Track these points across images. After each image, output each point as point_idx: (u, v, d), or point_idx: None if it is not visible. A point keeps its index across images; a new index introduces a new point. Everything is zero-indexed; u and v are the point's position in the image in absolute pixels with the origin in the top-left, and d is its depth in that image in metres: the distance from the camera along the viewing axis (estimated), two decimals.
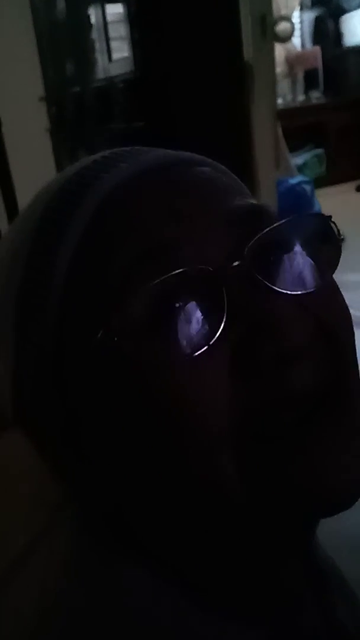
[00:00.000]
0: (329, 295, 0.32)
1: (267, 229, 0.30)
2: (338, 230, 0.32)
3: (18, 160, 2.73)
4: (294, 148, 4.38)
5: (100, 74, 3.01)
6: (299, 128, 4.62)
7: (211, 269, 0.28)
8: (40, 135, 3.57)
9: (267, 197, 2.92)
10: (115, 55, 2.84)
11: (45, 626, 0.31)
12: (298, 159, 4.55)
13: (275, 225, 0.30)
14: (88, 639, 0.31)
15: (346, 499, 0.30)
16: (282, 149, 3.59)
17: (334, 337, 0.31)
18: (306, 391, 0.29)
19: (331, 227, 0.32)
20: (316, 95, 5.21)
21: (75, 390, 0.31)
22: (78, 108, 3.27)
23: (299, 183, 3.34)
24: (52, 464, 0.35)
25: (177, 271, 0.28)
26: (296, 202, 3.22)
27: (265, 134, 2.85)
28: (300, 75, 5.14)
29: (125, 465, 0.31)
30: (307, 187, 3.34)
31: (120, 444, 0.31)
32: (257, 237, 0.29)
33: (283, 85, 4.92)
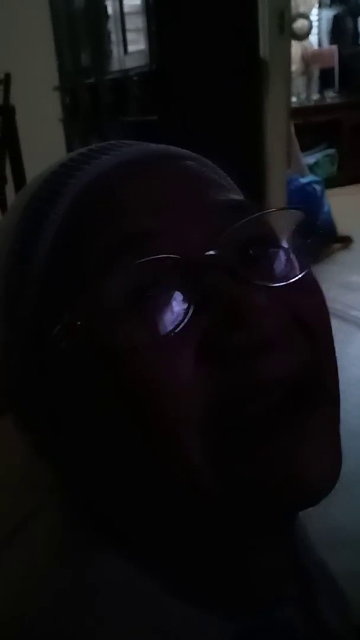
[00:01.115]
0: (307, 289, 0.32)
1: (243, 220, 0.30)
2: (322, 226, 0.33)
3: (30, 149, 2.73)
4: (306, 147, 4.37)
5: (115, 65, 3.00)
6: (312, 127, 4.60)
7: (186, 257, 0.29)
8: (53, 125, 3.58)
9: (277, 195, 2.91)
10: (131, 48, 2.83)
11: (31, 606, 0.32)
12: (310, 159, 4.53)
13: (250, 217, 0.31)
14: (72, 622, 0.31)
15: (315, 493, 0.30)
16: (294, 147, 3.58)
17: (309, 329, 0.31)
18: (275, 382, 0.29)
19: (313, 222, 0.33)
20: (331, 95, 5.18)
21: (54, 374, 0.31)
22: (92, 99, 3.27)
23: (310, 182, 3.33)
24: (37, 449, 0.35)
25: (151, 258, 0.28)
26: (306, 201, 3.21)
27: (277, 132, 2.84)
28: (315, 74, 5.12)
29: (100, 451, 0.31)
30: (318, 187, 3.33)
31: (94, 429, 0.31)
32: (233, 228, 0.30)
33: (298, 83, 4.90)
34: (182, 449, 0.28)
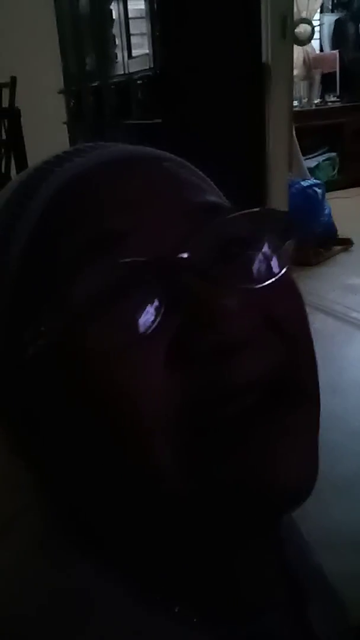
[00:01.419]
0: (283, 290, 0.31)
1: (216, 222, 0.30)
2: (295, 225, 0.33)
3: (35, 151, 2.75)
4: (307, 150, 4.39)
5: (119, 69, 3.03)
6: (313, 131, 4.62)
7: (157, 259, 0.29)
8: (57, 127, 3.60)
9: (278, 198, 2.94)
10: (136, 52, 2.86)
11: (14, 608, 0.31)
12: (311, 162, 4.56)
13: (223, 219, 0.31)
14: (53, 627, 0.30)
15: (290, 494, 0.29)
16: (295, 150, 3.61)
17: (285, 330, 0.31)
18: (249, 383, 0.29)
19: (290, 223, 0.32)
20: (332, 99, 5.20)
21: (28, 376, 0.31)
22: (96, 102, 3.30)
23: (311, 185, 3.35)
24: (16, 450, 0.35)
25: (121, 260, 0.28)
26: (307, 204, 3.24)
27: (279, 135, 2.86)
28: (317, 78, 5.14)
29: (76, 453, 0.31)
30: (319, 190, 3.35)
31: (68, 431, 0.30)
32: (206, 229, 0.30)
33: (300, 88, 4.92)
34: (152, 453, 0.28)
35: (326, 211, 3.37)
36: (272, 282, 0.30)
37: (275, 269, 0.31)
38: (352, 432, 1.75)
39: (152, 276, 0.29)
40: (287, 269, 0.31)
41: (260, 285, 0.30)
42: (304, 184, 3.33)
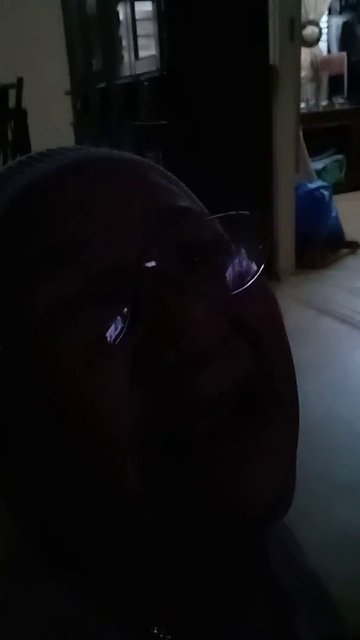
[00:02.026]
0: (255, 296, 0.30)
1: (184, 227, 0.29)
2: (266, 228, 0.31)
3: None
4: (314, 152, 4.38)
5: (126, 70, 3.03)
6: (320, 133, 4.61)
7: (118, 267, 0.27)
8: (64, 128, 3.61)
9: (285, 200, 2.93)
10: (142, 53, 2.86)
11: None
12: (318, 164, 4.54)
13: (190, 224, 0.29)
14: None
15: (259, 515, 0.27)
16: (302, 152, 3.60)
17: (256, 339, 0.29)
18: (217, 397, 0.27)
19: (262, 226, 0.31)
20: (340, 101, 5.19)
21: None
22: (102, 103, 3.30)
23: (318, 188, 3.34)
24: None
25: (82, 269, 0.27)
26: (314, 206, 3.22)
27: (286, 137, 2.86)
28: (324, 80, 5.13)
29: (38, 469, 0.30)
30: (326, 192, 3.34)
31: (30, 448, 0.29)
32: (169, 235, 0.28)
33: (307, 90, 4.92)
34: (117, 470, 0.27)
35: (333, 214, 3.35)
36: (245, 288, 0.29)
37: (248, 275, 0.29)
38: (357, 435, 1.74)
39: (115, 285, 0.27)
40: (260, 274, 0.29)
41: (231, 291, 0.29)
42: (311, 186, 3.32)
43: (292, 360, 0.31)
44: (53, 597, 0.30)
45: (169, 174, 0.36)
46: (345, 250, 3.37)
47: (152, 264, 0.27)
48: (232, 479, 0.27)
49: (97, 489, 0.27)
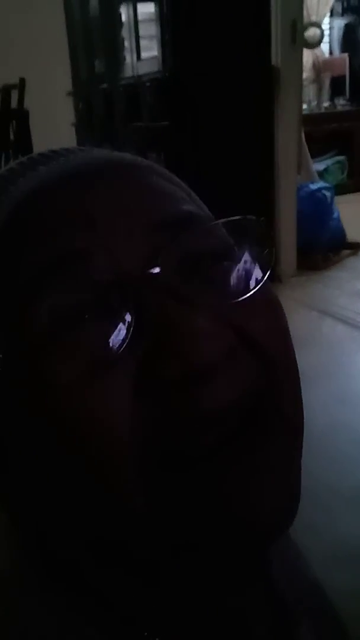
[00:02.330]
0: (260, 306, 0.29)
1: (188, 234, 0.28)
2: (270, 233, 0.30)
3: None
4: (316, 154, 4.38)
5: (128, 72, 3.03)
6: (322, 134, 4.61)
7: (122, 278, 0.27)
8: (66, 129, 3.61)
9: (287, 201, 2.92)
10: (144, 54, 2.86)
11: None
12: (320, 165, 4.54)
13: (195, 231, 0.29)
14: None
15: (262, 531, 0.27)
16: (304, 154, 3.59)
17: (261, 350, 0.28)
18: (220, 411, 0.26)
19: (266, 232, 0.30)
20: (341, 102, 5.20)
21: None
22: (104, 104, 3.30)
23: (320, 189, 3.33)
24: None
25: (84, 280, 0.27)
26: (316, 208, 3.22)
27: (288, 139, 2.86)
28: (326, 82, 5.13)
29: (40, 486, 0.29)
30: (328, 194, 3.33)
31: (32, 465, 0.29)
32: (173, 244, 0.28)
33: (309, 91, 4.92)
34: (120, 486, 0.26)
35: (335, 215, 3.35)
36: (249, 296, 0.28)
37: (253, 282, 0.28)
38: None
39: (118, 296, 0.26)
40: (266, 282, 0.29)
41: (236, 301, 0.28)
42: (313, 187, 3.31)
43: (297, 371, 0.31)
44: (53, 610, 0.30)
45: (172, 175, 0.35)
46: (347, 252, 3.37)
47: (156, 272, 0.27)
48: (238, 492, 0.26)
49: (99, 504, 0.27)
